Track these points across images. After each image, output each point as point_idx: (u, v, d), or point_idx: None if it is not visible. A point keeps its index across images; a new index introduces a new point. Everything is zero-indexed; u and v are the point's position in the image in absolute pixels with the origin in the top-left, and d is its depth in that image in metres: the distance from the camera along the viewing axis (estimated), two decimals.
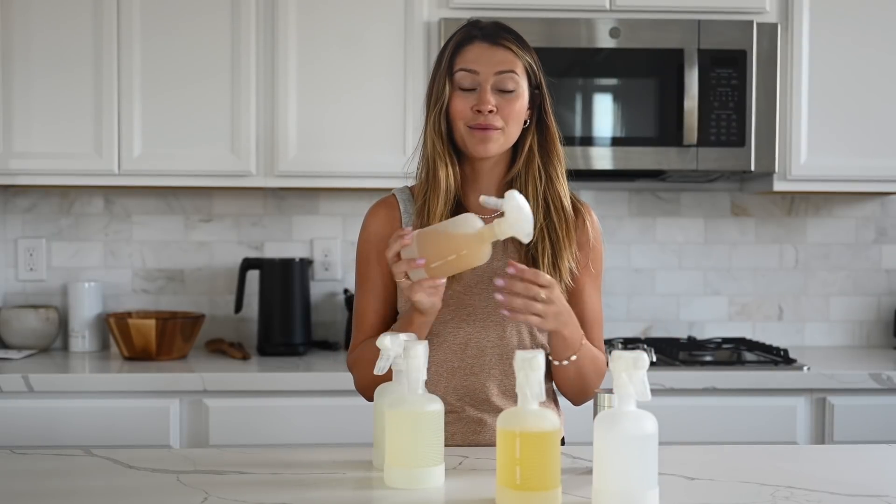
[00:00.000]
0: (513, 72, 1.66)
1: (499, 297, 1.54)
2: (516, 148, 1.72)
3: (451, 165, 1.70)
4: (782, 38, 2.88)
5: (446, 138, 1.69)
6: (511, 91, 1.66)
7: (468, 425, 1.72)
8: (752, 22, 2.82)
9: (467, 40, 1.69)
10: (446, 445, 1.45)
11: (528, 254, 1.69)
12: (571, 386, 1.71)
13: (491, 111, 1.65)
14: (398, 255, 1.53)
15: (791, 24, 2.87)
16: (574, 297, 1.72)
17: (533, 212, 1.66)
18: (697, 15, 2.84)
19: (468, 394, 1.71)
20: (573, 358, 1.65)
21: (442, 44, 2.72)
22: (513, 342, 1.71)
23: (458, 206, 1.73)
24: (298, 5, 2.82)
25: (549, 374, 1.77)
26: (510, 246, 1.71)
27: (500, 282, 1.53)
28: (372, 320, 1.74)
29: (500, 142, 1.67)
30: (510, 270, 1.53)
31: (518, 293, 1.53)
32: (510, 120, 1.67)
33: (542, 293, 1.54)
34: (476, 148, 1.67)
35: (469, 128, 1.66)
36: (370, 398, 1.74)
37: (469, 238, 1.50)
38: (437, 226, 1.57)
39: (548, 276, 1.56)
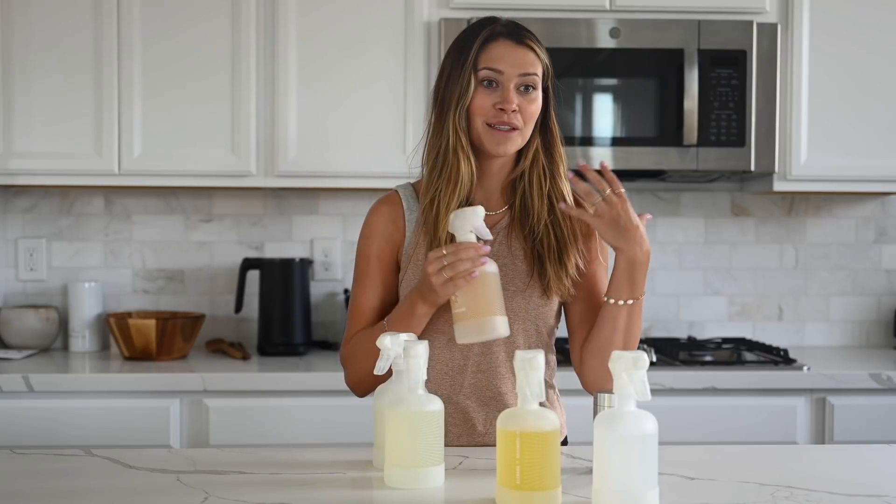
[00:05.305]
0: (535, 74, 1.68)
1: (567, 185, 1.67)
2: (522, 147, 1.72)
3: (470, 161, 1.69)
4: (782, 38, 2.88)
5: (467, 133, 1.69)
6: (532, 92, 1.68)
7: (468, 424, 1.71)
8: (752, 22, 2.82)
9: (493, 37, 1.68)
10: (452, 445, 1.45)
11: (534, 250, 1.70)
12: (605, 348, 1.62)
13: (514, 111, 1.65)
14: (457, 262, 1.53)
15: (791, 25, 2.87)
16: (587, 286, 1.73)
17: (538, 210, 1.70)
18: (697, 15, 2.84)
19: (475, 392, 1.70)
20: (630, 301, 1.61)
21: (442, 44, 2.74)
22: (518, 341, 1.69)
23: (466, 204, 1.72)
24: (299, 5, 2.82)
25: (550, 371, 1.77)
26: (514, 243, 1.71)
27: (570, 174, 1.64)
28: (368, 317, 1.73)
29: (517, 142, 1.68)
30: (580, 163, 1.63)
31: (590, 179, 1.60)
32: (528, 120, 1.68)
33: (609, 190, 1.57)
34: (496, 147, 1.67)
35: (488, 126, 1.66)
36: (361, 393, 1.74)
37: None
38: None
39: (622, 189, 1.59)
